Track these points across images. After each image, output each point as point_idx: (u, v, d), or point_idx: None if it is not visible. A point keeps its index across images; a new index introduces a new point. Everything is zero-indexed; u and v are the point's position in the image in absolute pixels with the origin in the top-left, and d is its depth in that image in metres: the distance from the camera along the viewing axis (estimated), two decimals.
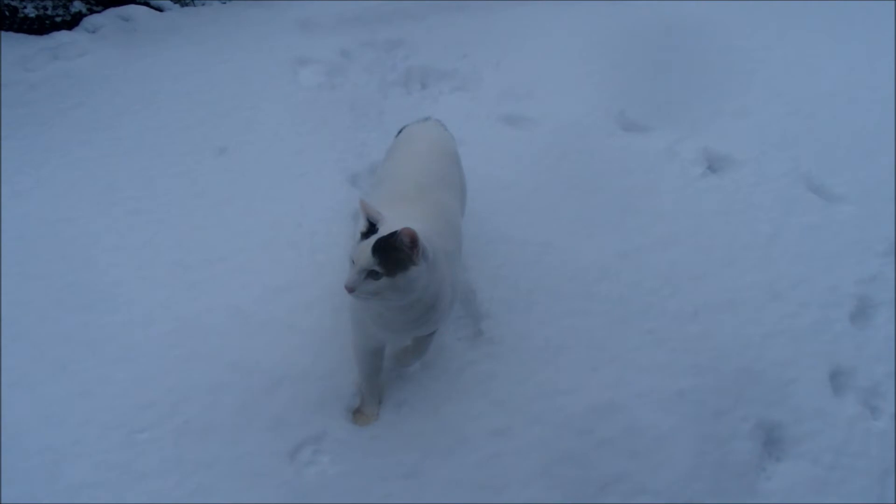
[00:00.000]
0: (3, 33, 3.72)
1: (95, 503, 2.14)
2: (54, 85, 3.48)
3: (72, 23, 3.91)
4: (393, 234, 1.82)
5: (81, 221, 2.84)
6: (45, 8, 3.83)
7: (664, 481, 2.28)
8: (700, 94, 3.52)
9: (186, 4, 4.11)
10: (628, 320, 2.59)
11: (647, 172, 3.09)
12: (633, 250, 2.77)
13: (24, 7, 3.78)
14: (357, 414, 2.35)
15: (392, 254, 1.82)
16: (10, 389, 2.36)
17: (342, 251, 2.52)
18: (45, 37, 3.79)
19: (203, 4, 4.11)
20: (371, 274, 1.83)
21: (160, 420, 2.31)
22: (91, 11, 3.95)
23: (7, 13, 3.77)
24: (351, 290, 1.85)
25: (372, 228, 1.89)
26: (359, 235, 1.91)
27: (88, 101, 3.40)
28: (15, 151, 3.11)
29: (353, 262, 1.85)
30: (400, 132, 2.50)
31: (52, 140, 3.18)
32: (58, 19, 3.87)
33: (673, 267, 2.73)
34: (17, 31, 3.82)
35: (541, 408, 2.38)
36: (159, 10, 4.04)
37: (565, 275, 2.68)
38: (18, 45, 3.69)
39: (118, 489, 2.20)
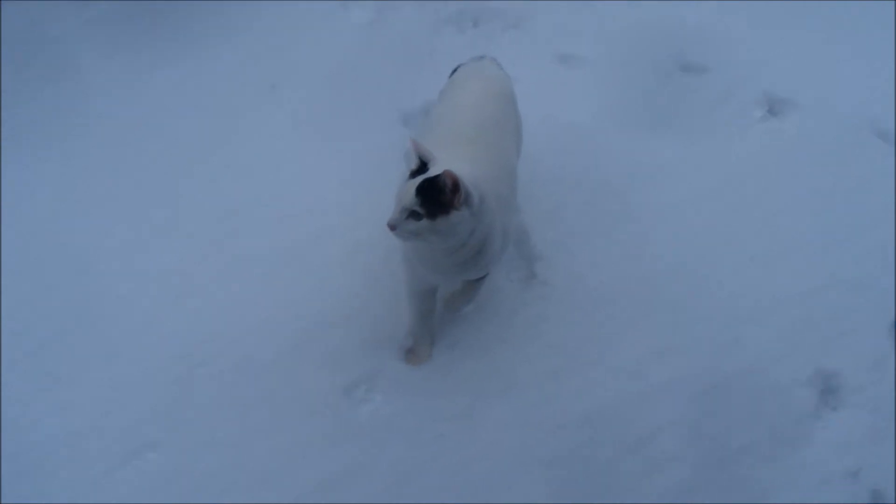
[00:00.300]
0: None
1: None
2: None
3: None
4: (437, 177, 1.79)
5: (136, 159, 2.86)
6: None
7: (719, 427, 2.27)
8: (762, 34, 3.37)
9: None
10: (685, 265, 2.54)
11: (706, 114, 2.99)
12: (692, 194, 2.71)
13: None
14: (410, 354, 2.37)
15: (435, 196, 1.80)
16: (75, 324, 2.42)
17: (393, 191, 2.50)
18: None
19: None
20: (412, 214, 1.82)
21: (218, 355, 2.37)
22: None
23: None
24: (392, 228, 1.85)
25: (422, 168, 1.86)
26: (408, 174, 1.89)
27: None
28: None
29: (398, 200, 1.84)
30: (454, 71, 2.45)
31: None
32: None
33: (732, 212, 2.67)
34: None
35: (594, 351, 2.37)
36: None
37: (622, 217, 2.63)
38: None
39: (180, 421, 2.26)
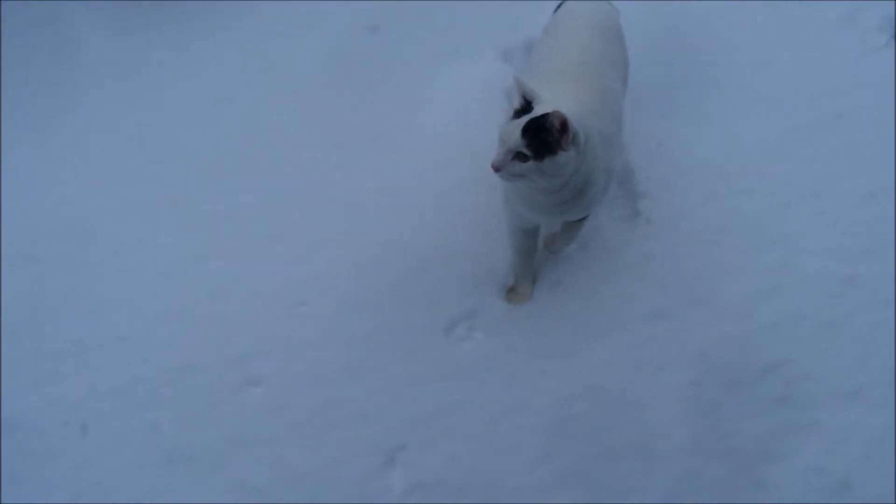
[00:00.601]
0: None
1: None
2: None
3: None
4: (544, 117, 1.73)
5: (240, 100, 2.86)
6: None
7: (830, 368, 2.19)
8: None
9: None
10: (796, 202, 2.43)
11: (820, 43, 2.80)
12: (804, 126, 2.56)
13: None
14: (511, 292, 2.35)
15: (541, 136, 1.74)
16: (184, 264, 2.47)
17: (495, 129, 2.45)
18: None
19: None
20: (518, 155, 1.77)
21: (318, 294, 2.39)
22: None
23: None
24: (497, 169, 1.80)
25: (527, 107, 1.80)
26: (511, 113, 1.83)
27: None
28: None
29: (503, 140, 1.79)
30: (559, 6, 2.35)
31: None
32: None
33: (848, 145, 2.52)
34: None
35: (699, 290, 2.31)
36: None
37: (728, 152, 2.52)
38: None
39: (283, 358, 2.31)
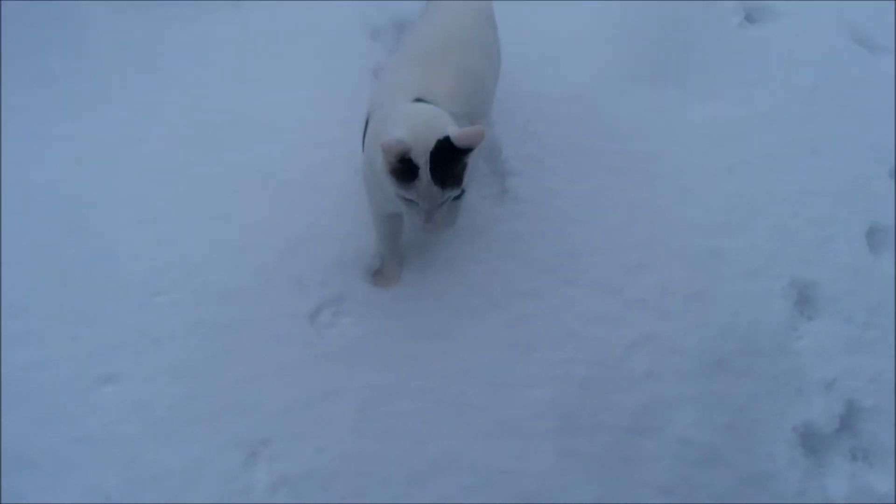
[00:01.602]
0: None
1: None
2: None
3: None
4: (449, 153, 1.70)
5: (97, 80, 2.66)
6: None
7: (695, 340, 2.24)
8: None
9: None
10: (662, 177, 2.47)
11: (681, 22, 2.87)
12: (669, 105, 2.62)
13: None
14: (377, 276, 2.28)
15: (454, 168, 1.73)
16: (26, 251, 2.27)
17: (362, 108, 2.38)
18: None
19: None
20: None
21: (179, 283, 2.24)
22: None
23: None
24: (434, 225, 1.84)
25: (407, 163, 1.70)
26: (390, 173, 1.74)
27: None
28: None
29: (424, 202, 1.75)
30: None
31: None
32: None
33: (710, 122, 2.59)
34: None
35: (570, 268, 2.31)
36: None
37: (597, 131, 2.54)
38: None
39: (138, 351, 2.15)
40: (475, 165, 1.90)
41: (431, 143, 1.69)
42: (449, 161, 1.71)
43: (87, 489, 1.99)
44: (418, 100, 1.90)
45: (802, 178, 2.50)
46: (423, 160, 1.69)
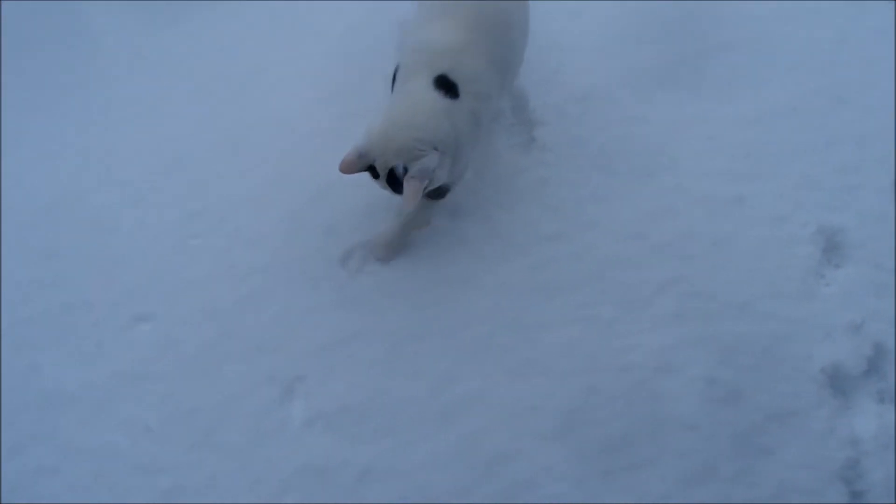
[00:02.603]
0: None
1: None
2: None
3: None
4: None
5: (124, 36, 2.72)
6: None
7: (720, 284, 2.24)
8: None
9: None
10: (686, 126, 2.48)
11: None
12: (692, 56, 2.62)
13: None
14: (408, 224, 2.31)
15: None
16: (57, 200, 2.34)
17: (387, 59, 2.41)
18: None
19: None
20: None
21: (212, 227, 2.31)
22: None
23: None
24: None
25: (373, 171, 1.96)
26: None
27: None
28: None
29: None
30: None
31: None
32: None
33: (733, 72, 2.59)
34: None
35: (595, 213, 2.33)
36: None
37: (620, 81, 2.55)
38: None
39: (173, 292, 2.21)
40: (465, 160, 2.07)
41: (390, 166, 1.91)
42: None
43: (127, 422, 2.06)
44: (441, 77, 1.97)
45: (829, 127, 2.49)
46: (382, 171, 1.95)
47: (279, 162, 2.39)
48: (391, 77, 2.14)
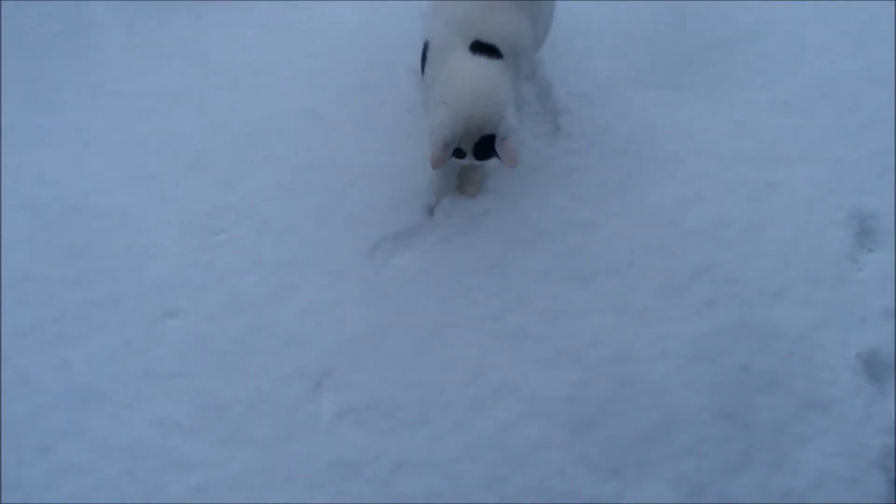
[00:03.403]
0: None
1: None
2: None
3: None
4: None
5: (145, 31, 2.71)
6: None
7: (754, 271, 2.22)
8: None
9: None
10: (716, 112, 2.45)
11: None
12: (721, 40, 2.58)
13: None
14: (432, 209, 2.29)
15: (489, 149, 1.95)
16: (90, 195, 2.33)
17: (412, 53, 2.39)
18: None
19: None
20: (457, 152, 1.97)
21: (238, 221, 2.29)
22: None
23: None
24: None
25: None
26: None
27: None
28: None
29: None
30: None
31: None
32: None
33: (763, 57, 2.55)
34: None
35: (624, 201, 2.30)
36: None
37: (648, 65, 2.52)
38: None
39: (201, 288, 2.20)
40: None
41: (476, 139, 1.90)
42: (491, 144, 1.90)
43: (158, 419, 2.05)
44: (477, 43, 1.94)
45: (863, 110, 2.45)
46: (468, 148, 1.94)
47: (304, 155, 2.37)
48: (419, 63, 2.11)
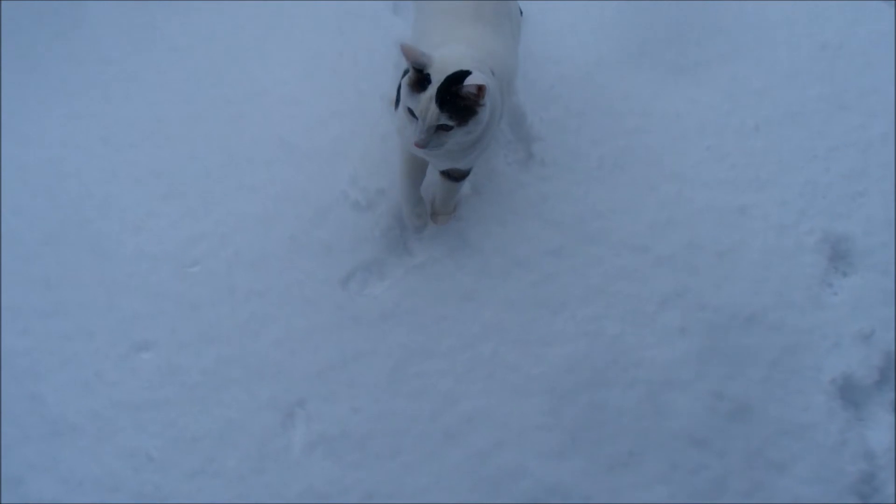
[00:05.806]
0: None
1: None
2: None
3: None
4: (457, 84, 1.73)
5: (118, 60, 2.72)
6: None
7: (726, 296, 2.22)
8: None
9: None
10: (686, 137, 2.45)
11: None
12: (691, 66, 2.60)
13: None
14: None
15: (458, 103, 1.75)
16: (57, 228, 2.33)
17: (386, 78, 2.41)
18: None
19: None
20: (441, 127, 1.78)
21: (211, 252, 2.29)
22: None
23: None
24: (422, 146, 1.80)
25: (422, 75, 1.76)
26: (407, 83, 1.79)
27: None
28: None
29: (419, 118, 1.77)
30: None
31: None
32: None
33: (733, 82, 2.56)
34: None
35: (596, 227, 2.30)
36: None
37: (618, 93, 2.53)
38: None
39: (173, 319, 2.20)
40: (489, 137, 1.96)
41: (450, 70, 1.75)
42: (457, 94, 1.74)
43: (129, 451, 2.04)
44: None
45: (831, 134, 2.46)
46: (436, 78, 1.75)
47: (277, 184, 2.37)
48: (393, 92, 2.11)
